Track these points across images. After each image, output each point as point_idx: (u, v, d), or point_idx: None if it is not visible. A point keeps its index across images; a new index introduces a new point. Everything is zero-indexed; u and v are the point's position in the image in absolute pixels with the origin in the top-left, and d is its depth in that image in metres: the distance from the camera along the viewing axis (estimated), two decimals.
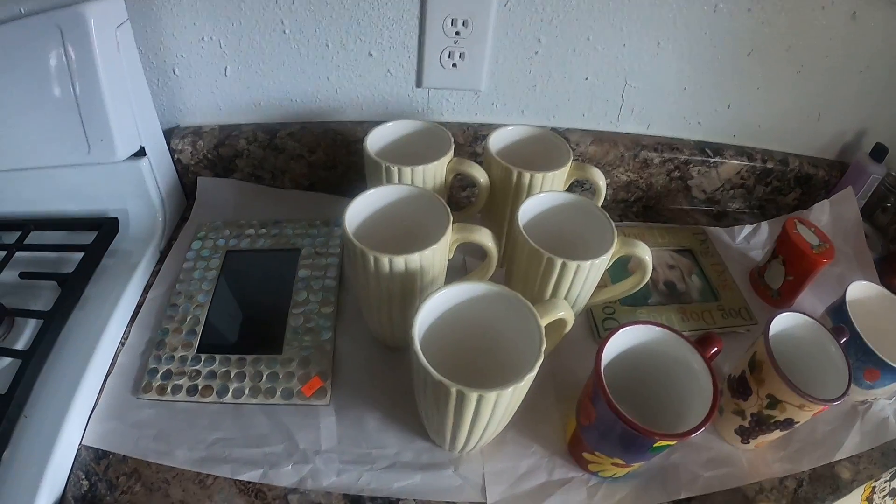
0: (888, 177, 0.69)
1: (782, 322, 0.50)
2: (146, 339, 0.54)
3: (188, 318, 0.54)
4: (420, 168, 0.49)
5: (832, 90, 0.63)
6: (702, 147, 0.63)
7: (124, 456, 0.45)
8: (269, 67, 0.57)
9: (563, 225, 0.49)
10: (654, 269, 0.57)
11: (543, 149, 0.53)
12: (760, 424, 0.50)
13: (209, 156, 0.60)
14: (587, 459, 0.47)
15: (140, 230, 0.61)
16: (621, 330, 0.44)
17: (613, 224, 0.46)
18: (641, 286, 0.50)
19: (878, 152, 0.67)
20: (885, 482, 0.42)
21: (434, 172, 0.50)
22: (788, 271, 0.61)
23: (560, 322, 0.43)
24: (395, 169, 0.49)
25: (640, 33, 0.58)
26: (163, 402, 0.49)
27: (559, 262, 0.44)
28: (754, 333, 0.58)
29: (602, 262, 0.46)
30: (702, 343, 0.46)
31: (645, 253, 0.48)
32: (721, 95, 0.62)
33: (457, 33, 0.56)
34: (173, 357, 0.51)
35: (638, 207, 0.65)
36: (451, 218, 0.45)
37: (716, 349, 0.47)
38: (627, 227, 0.62)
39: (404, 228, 0.47)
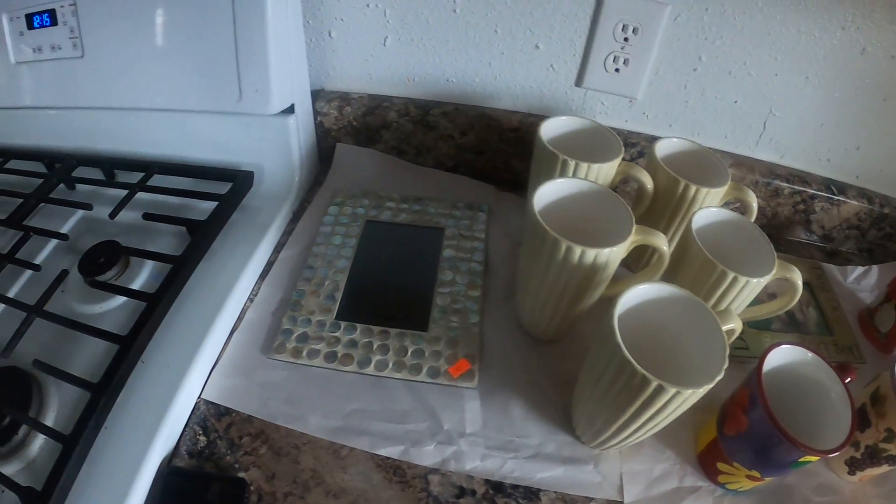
0: None
1: None
2: (278, 299, 0.53)
3: (326, 283, 0.53)
4: (596, 166, 0.49)
5: None
6: (828, 184, 0.65)
7: (250, 416, 0.45)
8: (431, 44, 0.57)
9: (724, 241, 0.50)
10: (776, 296, 0.58)
11: (701, 165, 0.54)
12: (873, 457, 0.51)
13: (354, 123, 0.59)
14: (720, 470, 0.48)
15: (274, 188, 0.60)
16: (779, 347, 0.45)
17: (773, 248, 0.48)
18: (785, 310, 0.51)
19: None
20: None
21: (606, 172, 0.51)
22: None
23: (730, 332, 0.44)
24: (572, 163, 0.49)
25: (792, 65, 0.60)
26: (296, 365, 0.49)
27: (731, 275, 0.46)
28: (863, 372, 0.60)
29: (763, 282, 0.47)
30: (840, 370, 0.48)
31: (798, 278, 0.49)
32: (853, 136, 0.64)
33: (625, 39, 0.57)
34: (310, 320, 0.51)
35: None
36: (634, 219, 0.45)
37: (850, 378, 0.49)
38: None
39: (580, 223, 0.47)
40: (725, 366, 0.39)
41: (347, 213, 0.59)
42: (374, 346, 0.49)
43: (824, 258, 0.68)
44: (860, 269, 0.67)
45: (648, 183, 0.52)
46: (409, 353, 0.49)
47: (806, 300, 0.64)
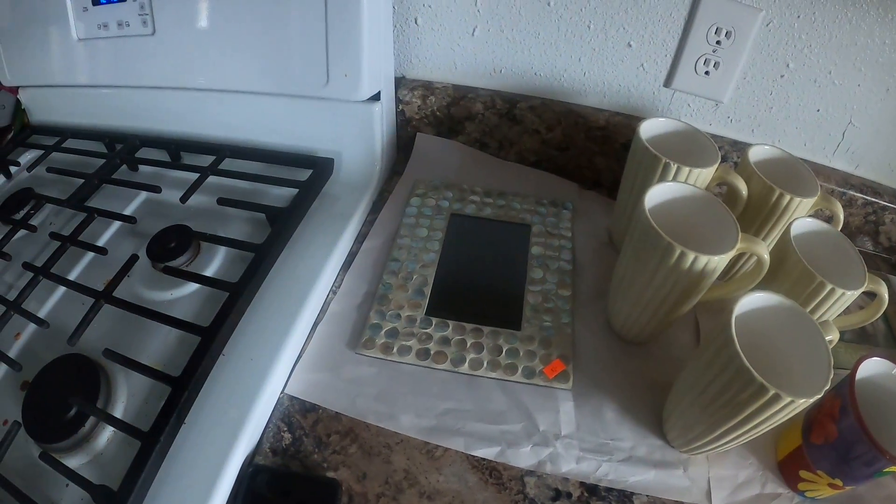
0: None
1: None
2: (363, 291, 0.52)
3: (414, 277, 0.53)
4: (697, 170, 0.49)
5: None
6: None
7: (337, 413, 0.44)
8: (521, 36, 0.56)
9: (816, 252, 0.50)
10: (849, 309, 0.59)
11: (789, 174, 0.54)
12: None
13: (438, 113, 0.58)
14: (802, 477, 0.48)
15: (355, 176, 0.59)
16: (869, 359, 0.46)
17: (863, 259, 0.48)
18: (870, 322, 0.52)
19: None
20: None
21: (704, 177, 0.50)
22: None
23: (829, 342, 0.45)
24: (673, 166, 0.49)
25: (875, 76, 0.60)
26: (386, 362, 0.48)
27: (829, 286, 0.46)
28: None
29: (856, 294, 0.48)
30: None
31: (885, 291, 0.50)
32: None
33: (717, 42, 0.56)
34: (399, 315, 0.50)
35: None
36: (739, 227, 0.45)
37: None
38: None
39: (682, 228, 0.47)
40: (831, 376, 0.40)
41: (431, 206, 0.58)
42: (468, 345, 0.49)
43: (889, 270, 0.69)
44: None
45: (744, 189, 0.52)
46: (504, 353, 0.49)
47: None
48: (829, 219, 0.55)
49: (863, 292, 0.48)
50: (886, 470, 0.44)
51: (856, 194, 0.64)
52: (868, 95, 0.61)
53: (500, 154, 0.63)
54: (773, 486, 0.49)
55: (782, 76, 0.59)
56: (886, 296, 0.51)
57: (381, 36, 0.55)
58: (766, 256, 0.47)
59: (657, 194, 0.48)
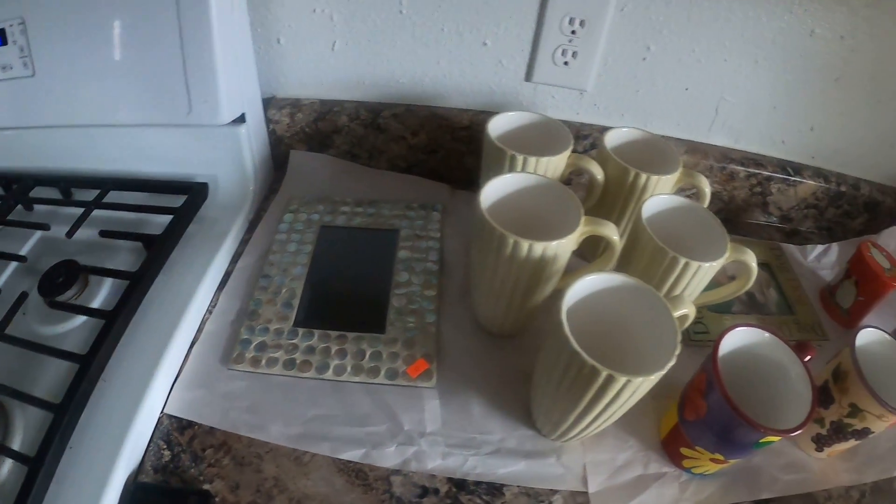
0: None
1: (869, 337, 0.52)
2: (236, 309, 0.53)
3: (283, 291, 0.53)
4: (545, 159, 0.50)
5: None
6: (783, 165, 0.65)
7: (212, 428, 0.44)
8: (380, 46, 0.57)
9: (675, 227, 0.50)
10: (734, 278, 0.59)
11: (652, 153, 0.54)
12: (838, 433, 0.51)
13: (307, 129, 0.59)
14: (684, 455, 0.48)
15: (229, 198, 0.60)
16: (734, 330, 0.45)
17: (726, 231, 0.48)
18: (742, 292, 0.51)
19: None
20: None
21: (555, 165, 0.51)
22: (860, 292, 0.63)
23: (682, 318, 0.45)
24: (520, 158, 0.49)
25: (741, 51, 0.60)
26: (256, 374, 0.48)
27: (683, 261, 0.46)
28: (826, 348, 0.60)
29: (717, 265, 0.47)
30: (798, 349, 0.48)
31: (752, 261, 0.49)
32: (806, 117, 0.64)
33: (572, 32, 0.57)
34: (268, 329, 0.51)
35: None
36: (583, 210, 0.45)
37: (810, 356, 0.49)
38: None
39: (531, 217, 0.47)
40: (677, 352, 0.39)
41: (302, 220, 0.58)
42: (332, 351, 0.49)
43: (783, 238, 0.68)
44: (820, 248, 0.68)
45: (598, 174, 0.52)
46: (367, 356, 0.49)
47: (766, 281, 0.64)
48: (697, 194, 0.55)
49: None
50: (764, 441, 0.43)
51: (737, 168, 0.64)
52: (736, 70, 0.62)
53: (370, 163, 0.63)
54: (658, 466, 0.49)
55: (644, 59, 0.59)
56: (754, 264, 0.51)
57: (239, 60, 0.56)
58: (615, 237, 0.47)
59: (498, 187, 0.48)
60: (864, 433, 0.51)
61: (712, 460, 0.47)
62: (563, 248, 0.44)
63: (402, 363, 0.49)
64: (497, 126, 0.52)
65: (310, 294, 0.52)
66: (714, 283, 0.53)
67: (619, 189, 0.52)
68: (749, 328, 0.47)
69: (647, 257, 0.47)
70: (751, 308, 0.61)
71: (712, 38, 0.59)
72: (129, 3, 0.52)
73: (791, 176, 0.66)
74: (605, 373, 0.37)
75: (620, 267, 0.52)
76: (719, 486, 0.49)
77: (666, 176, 0.52)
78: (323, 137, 0.60)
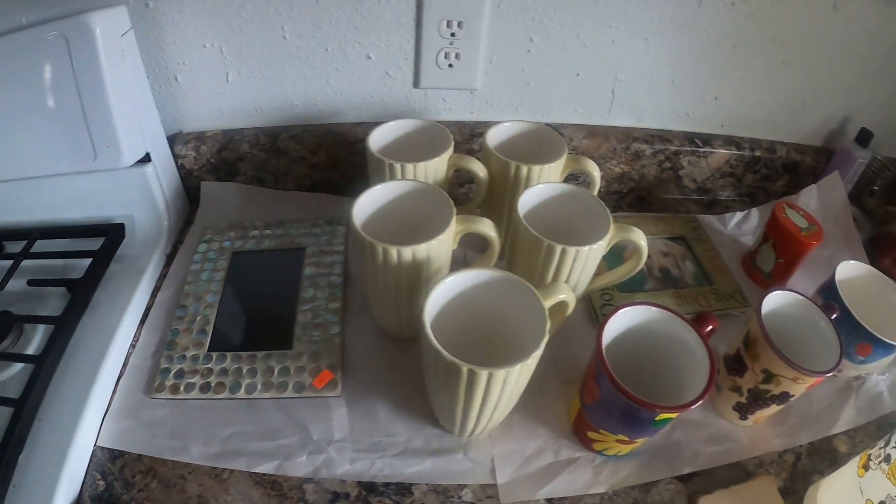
0: (874, 161, 0.71)
1: (774, 300, 0.52)
2: (157, 340, 0.55)
3: (198, 319, 0.55)
4: (422, 164, 0.51)
5: (816, 79, 0.66)
6: (691, 138, 0.65)
7: (139, 455, 0.46)
8: (270, 72, 0.59)
9: (561, 214, 0.51)
10: (648, 256, 0.59)
11: (539, 143, 0.55)
12: (757, 399, 0.51)
13: (212, 160, 0.61)
14: (592, 438, 0.48)
15: (146, 235, 0.62)
16: (620, 310, 0.46)
17: (609, 211, 0.48)
18: (637, 270, 0.52)
19: (863, 137, 0.70)
20: (880, 449, 0.45)
21: (435, 168, 0.52)
22: (779, 254, 0.63)
23: (562, 304, 0.45)
24: (398, 166, 0.50)
25: (628, 30, 0.60)
26: (176, 401, 0.50)
27: (559, 248, 0.46)
28: (748, 315, 0.60)
29: (599, 248, 0.48)
30: (697, 321, 0.48)
31: (640, 238, 0.50)
32: (708, 87, 0.64)
33: (452, 34, 0.58)
34: (185, 356, 0.52)
35: (631, 198, 0.67)
36: (455, 210, 0.46)
37: (711, 327, 0.49)
38: (621, 217, 0.64)
39: (410, 222, 0.48)
40: (545, 340, 0.40)
41: (215, 248, 0.60)
42: (244, 371, 0.51)
43: (702, 210, 0.68)
44: (739, 215, 0.68)
45: (480, 171, 0.53)
46: (276, 372, 0.51)
47: (682, 254, 0.64)
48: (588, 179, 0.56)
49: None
50: (660, 418, 0.43)
51: (642, 146, 0.64)
52: (626, 49, 0.62)
53: (277, 185, 0.65)
54: (570, 452, 0.49)
55: (529, 51, 0.60)
56: (642, 241, 0.51)
57: (137, 103, 0.59)
58: (490, 232, 0.48)
59: (373, 197, 0.49)
60: (783, 398, 0.51)
61: (618, 441, 0.48)
62: (434, 249, 0.45)
63: (308, 376, 0.51)
64: (379, 137, 0.53)
65: (222, 319, 0.54)
66: (619, 265, 0.53)
67: (505, 183, 0.53)
68: (638, 307, 0.48)
69: (526, 248, 0.48)
70: (665, 283, 0.61)
71: (596, 21, 0.60)
72: (26, 59, 0.55)
73: (700, 147, 0.65)
74: (465, 368, 0.38)
75: (511, 260, 0.52)
76: (637, 465, 0.49)
77: (548, 165, 0.52)
78: (229, 166, 0.62)
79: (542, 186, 0.50)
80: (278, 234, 0.60)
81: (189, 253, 0.60)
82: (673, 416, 0.43)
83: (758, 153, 0.67)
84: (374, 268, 0.45)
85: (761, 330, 0.48)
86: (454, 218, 0.46)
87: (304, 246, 0.59)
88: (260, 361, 0.52)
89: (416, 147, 0.53)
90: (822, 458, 0.55)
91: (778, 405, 0.52)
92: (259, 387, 0.50)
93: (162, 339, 0.55)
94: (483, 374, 0.37)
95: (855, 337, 0.57)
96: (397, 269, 0.44)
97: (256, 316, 0.55)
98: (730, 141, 0.66)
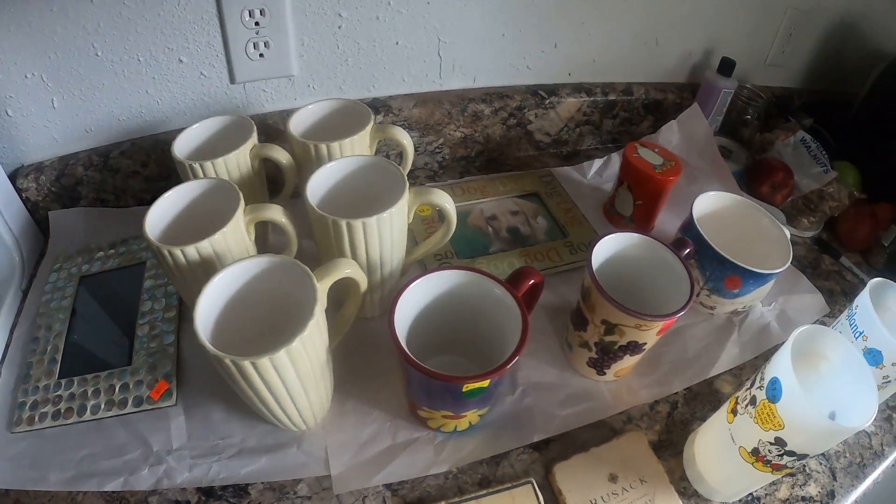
0: (743, 90, 0.68)
1: (613, 245, 0.49)
2: (15, 376, 0.55)
3: (48, 348, 0.55)
4: (220, 160, 0.50)
5: (665, 13, 0.62)
6: (534, 91, 0.62)
7: (6, 490, 0.47)
8: (90, 92, 0.58)
9: (361, 188, 0.49)
10: (495, 217, 0.57)
11: (345, 119, 0.54)
12: (607, 353, 0.49)
13: (53, 189, 0.61)
14: (423, 417, 0.47)
15: (1, 275, 0.62)
16: (414, 282, 0.43)
17: (405, 176, 0.46)
18: (451, 233, 0.49)
19: (726, 67, 0.66)
20: (746, 391, 0.42)
21: (237, 162, 0.51)
22: (636, 196, 0.60)
23: (350, 282, 0.44)
24: (197, 165, 0.50)
25: None
26: (34, 432, 0.50)
27: (343, 223, 0.44)
28: None
29: (394, 217, 0.46)
30: (514, 279, 0.46)
31: (442, 199, 0.48)
32: (545, 36, 0.61)
33: (256, 24, 0.57)
34: (38, 387, 0.53)
35: (481, 161, 0.65)
36: (242, 200, 0.45)
37: (532, 281, 0.46)
38: (467, 181, 0.62)
39: (203, 221, 0.47)
40: (311, 321, 0.39)
41: (63, 276, 0.60)
42: (89, 393, 0.51)
43: (562, 162, 0.65)
44: (599, 162, 0.65)
45: (284, 158, 0.51)
46: (118, 390, 0.51)
47: (534, 211, 0.62)
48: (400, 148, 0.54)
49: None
50: (468, 389, 0.41)
51: (479, 106, 0.62)
52: (444, 10, 0.60)
53: (119, 204, 0.65)
54: (408, 433, 0.48)
55: (340, 27, 0.59)
56: (447, 203, 0.48)
57: None
58: (279, 217, 0.47)
59: (170, 201, 0.48)
60: (635, 347, 0.48)
61: (445, 417, 0.46)
62: (219, 244, 0.44)
63: (146, 388, 0.50)
64: (188, 140, 0.53)
65: (70, 345, 0.54)
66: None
67: (311, 167, 0.52)
68: (441, 272, 0.45)
69: (319, 229, 0.47)
70: (513, 243, 0.59)
71: None
72: None
73: (545, 99, 0.63)
74: (227, 359, 0.37)
75: (317, 244, 0.50)
76: (481, 439, 0.48)
77: (349, 139, 0.51)
78: (70, 192, 0.62)
79: (335, 163, 0.48)
80: (121, 253, 0.60)
81: (42, 284, 0.60)
82: (483, 384, 0.41)
83: (612, 97, 0.64)
84: (171, 271, 0.44)
85: (592, 279, 0.46)
86: (241, 209, 0.45)
87: (144, 260, 0.59)
88: (103, 381, 0.52)
89: (223, 143, 0.52)
90: (704, 403, 0.53)
91: (632, 355, 0.49)
92: (103, 406, 0.50)
93: (19, 374, 0.55)
94: (246, 364, 0.36)
95: (721, 271, 0.55)
96: (190, 269, 0.43)
97: (101, 337, 0.55)
98: (579, 88, 0.63)
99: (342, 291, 0.45)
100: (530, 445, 0.46)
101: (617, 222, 0.62)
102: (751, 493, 0.46)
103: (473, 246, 0.55)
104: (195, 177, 0.51)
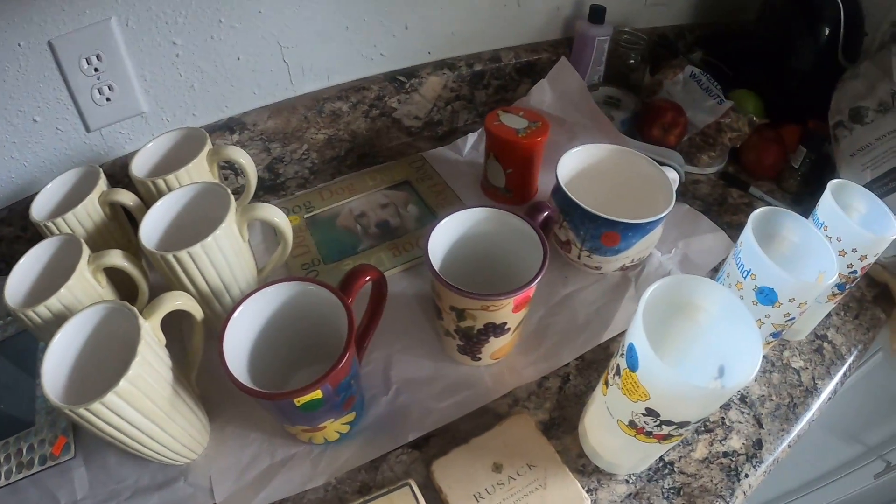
0: (621, 34, 0.64)
1: (457, 224, 0.48)
2: None
3: None
4: (70, 214, 0.50)
5: None
6: (392, 77, 0.61)
7: None
8: None
9: (199, 216, 0.49)
10: (364, 214, 0.56)
11: (188, 148, 0.53)
12: (470, 339, 0.48)
13: None
14: (292, 433, 0.46)
15: None
16: (242, 305, 0.43)
17: (230, 193, 0.46)
18: (290, 245, 0.49)
19: (596, 14, 0.63)
20: (614, 359, 0.39)
21: (87, 212, 0.51)
22: (505, 165, 0.58)
23: (184, 314, 0.43)
24: (51, 224, 0.50)
25: None
26: None
27: (170, 256, 0.44)
28: None
29: (219, 240, 0.45)
30: (346, 282, 0.44)
31: (271, 214, 0.47)
32: (392, 20, 0.59)
33: (96, 70, 0.57)
34: None
35: (353, 158, 0.64)
36: (85, 251, 0.45)
37: (368, 278, 0.45)
38: (336, 182, 0.61)
39: (60, 277, 0.47)
40: (135, 360, 0.39)
41: None
42: (1, 459, 0.53)
43: (439, 144, 0.63)
44: (473, 137, 0.63)
45: (130, 200, 0.52)
46: (25, 451, 0.53)
47: (404, 200, 0.60)
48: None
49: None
50: (303, 402, 0.40)
51: (335, 104, 0.60)
52: (278, 15, 0.59)
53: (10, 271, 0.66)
54: (286, 450, 0.48)
55: (178, 55, 0.58)
56: (275, 217, 0.47)
57: None
58: (122, 262, 0.47)
59: (25, 265, 0.48)
60: (496, 329, 0.47)
61: (305, 431, 0.46)
62: (52, 307, 0.44)
63: (48, 446, 0.52)
64: (43, 203, 0.53)
65: None
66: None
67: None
68: (262, 291, 0.44)
69: (157, 265, 0.46)
70: (383, 238, 0.58)
71: (232, 3, 0.57)
72: None
73: (406, 82, 0.61)
74: (67, 409, 0.37)
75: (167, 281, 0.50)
76: (357, 446, 0.47)
77: (183, 169, 0.51)
78: None
79: (166, 198, 0.48)
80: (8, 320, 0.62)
81: None
82: (316, 395, 0.40)
83: (478, 67, 0.61)
84: (36, 332, 0.46)
85: (428, 266, 0.45)
86: (82, 260, 0.45)
87: None
88: (12, 445, 0.53)
89: (74, 196, 0.53)
90: (600, 370, 0.51)
91: (497, 336, 0.47)
92: (14, 470, 0.52)
93: None
94: (82, 412, 0.37)
95: (595, 229, 0.53)
96: (47, 327, 0.45)
97: (8, 402, 0.57)
98: (440, 65, 0.61)
99: None
100: (410, 445, 0.45)
101: (494, 195, 0.60)
102: (661, 460, 0.44)
103: (341, 248, 0.54)
104: (51, 235, 0.52)
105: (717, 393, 0.33)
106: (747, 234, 0.43)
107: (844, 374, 0.55)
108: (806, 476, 0.93)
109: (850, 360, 0.56)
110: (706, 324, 0.41)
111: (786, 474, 0.98)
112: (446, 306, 0.45)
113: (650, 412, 0.36)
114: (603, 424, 0.42)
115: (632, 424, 0.38)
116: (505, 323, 0.45)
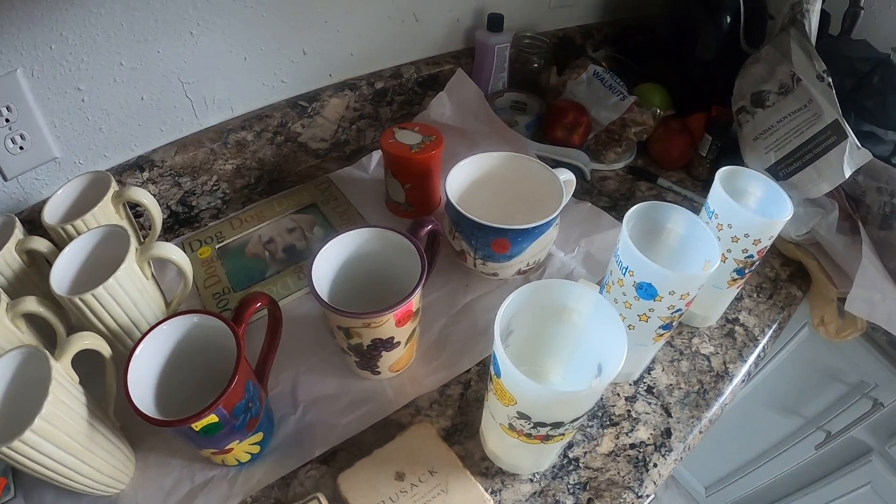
0: (522, 39, 0.66)
1: (343, 248, 0.50)
2: None
3: None
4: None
5: None
6: (293, 102, 0.62)
7: None
8: None
9: (106, 259, 0.51)
10: (272, 240, 0.58)
11: (94, 191, 0.56)
12: (362, 355, 0.50)
13: None
14: (205, 456, 0.49)
15: None
16: (142, 342, 0.45)
17: (130, 235, 0.48)
18: (190, 281, 0.51)
19: (493, 23, 0.65)
20: (490, 366, 0.41)
21: (5, 261, 0.53)
22: (403, 181, 0.60)
23: (95, 353, 0.46)
24: None
25: (168, 34, 0.59)
26: None
27: (77, 299, 0.47)
28: None
29: (120, 280, 0.48)
30: (238, 312, 0.46)
31: (168, 252, 0.49)
32: (289, 47, 0.61)
33: (7, 120, 0.59)
34: None
35: (263, 186, 0.66)
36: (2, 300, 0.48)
37: (259, 304, 0.47)
38: (246, 211, 0.63)
39: None
40: (47, 399, 0.41)
41: None
42: None
43: (345, 163, 0.65)
44: (377, 154, 0.64)
45: (44, 247, 0.54)
46: None
47: (310, 223, 0.63)
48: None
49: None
50: (201, 427, 0.42)
51: (239, 134, 0.62)
52: (176, 51, 0.61)
53: None
54: (204, 473, 0.50)
55: (84, 100, 0.60)
56: (174, 255, 0.50)
57: None
58: (37, 308, 0.49)
59: None
60: (384, 344, 0.49)
61: (214, 454, 0.48)
62: None
63: None
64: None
65: None
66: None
67: None
68: (164, 325, 0.46)
69: (68, 309, 0.49)
70: (289, 262, 0.60)
71: (130, 42, 0.59)
72: None
73: (308, 106, 0.63)
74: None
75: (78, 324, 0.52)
76: (269, 465, 0.49)
77: (89, 213, 0.53)
78: None
79: (72, 244, 0.50)
80: None
81: None
82: (213, 420, 0.43)
83: (379, 85, 0.63)
84: None
85: (311, 289, 0.47)
86: (2, 305, 0.47)
87: None
88: None
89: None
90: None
91: (389, 351, 0.50)
92: None
93: None
94: (4, 450, 0.40)
95: (483, 237, 0.55)
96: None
97: None
98: (341, 86, 0.63)
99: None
100: (319, 460, 0.48)
101: (398, 211, 0.62)
102: (565, 457, 0.46)
103: (250, 275, 0.56)
104: None
105: (581, 396, 0.35)
106: (623, 232, 0.45)
107: (759, 354, 0.56)
108: (751, 452, 0.95)
109: (763, 341, 0.57)
110: (581, 325, 0.43)
111: (731, 452, 1.00)
112: (334, 326, 0.48)
113: (522, 415, 0.38)
114: (492, 428, 0.44)
115: (511, 427, 0.40)
116: (392, 337, 0.48)
